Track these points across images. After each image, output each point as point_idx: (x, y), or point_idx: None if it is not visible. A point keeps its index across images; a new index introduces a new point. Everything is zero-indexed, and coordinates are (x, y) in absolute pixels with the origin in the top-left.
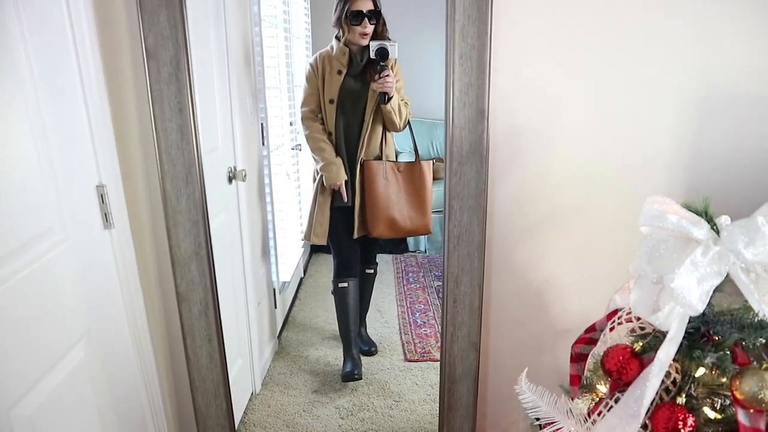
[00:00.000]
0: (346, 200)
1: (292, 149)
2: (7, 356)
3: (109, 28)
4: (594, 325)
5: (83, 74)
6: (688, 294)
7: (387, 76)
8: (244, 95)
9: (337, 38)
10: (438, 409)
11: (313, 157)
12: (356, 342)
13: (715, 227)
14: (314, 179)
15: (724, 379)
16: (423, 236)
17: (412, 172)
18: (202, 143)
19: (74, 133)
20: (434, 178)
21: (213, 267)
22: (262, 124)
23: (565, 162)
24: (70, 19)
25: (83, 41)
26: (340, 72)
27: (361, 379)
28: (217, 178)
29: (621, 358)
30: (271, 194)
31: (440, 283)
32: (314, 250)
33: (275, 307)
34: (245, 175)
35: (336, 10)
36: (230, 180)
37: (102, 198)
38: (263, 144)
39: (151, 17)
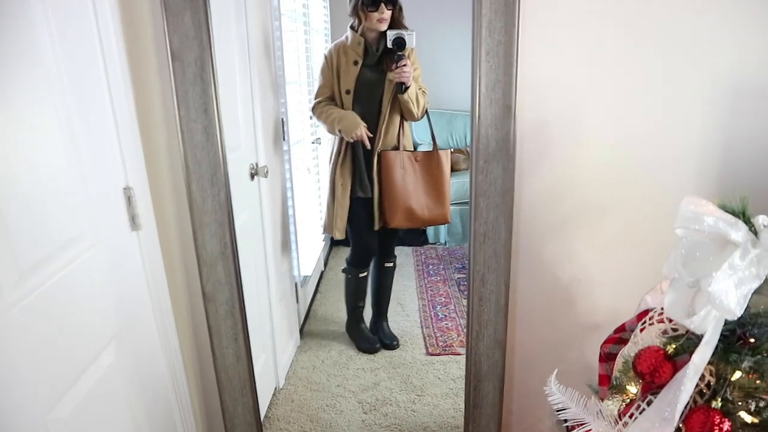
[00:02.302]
0: (369, 147)
1: (312, 143)
2: (41, 361)
3: (134, 30)
4: (624, 325)
5: (110, 77)
6: (726, 298)
7: (404, 65)
8: (265, 91)
9: (352, 28)
10: (462, 404)
11: (327, 127)
12: (363, 318)
13: (753, 228)
14: (332, 171)
15: (760, 383)
16: (443, 228)
17: (429, 161)
18: (226, 142)
19: (102, 136)
20: (454, 170)
21: (239, 267)
22: (282, 119)
23: (593, 158)
24: (97, 24)
25: (110, 44)
26: (356, 62)
27: (379, 350)
28: (240, 176)
29: (654, 360)
30: (291, 189)
31: (461, 276)
32: (334, 243)
33: (297, 302)
34: (267, 172)
35: None
36: (252, 177)
37: (129, 200)
38: (284, 139)
39: (176, 18)
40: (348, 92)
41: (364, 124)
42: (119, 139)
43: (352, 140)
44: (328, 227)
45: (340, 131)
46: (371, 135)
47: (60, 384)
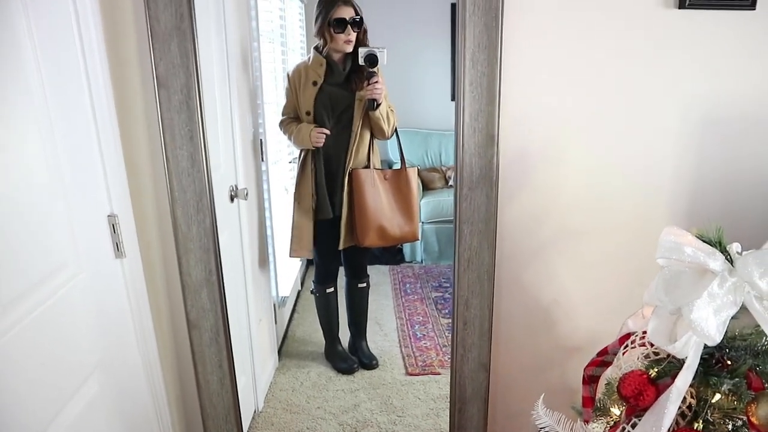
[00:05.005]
0: (328, 133)
1: (290, 162)
2: (25, 395)
3: (119, 56)
4: (606, 348)
5: (95, 104)
6: (707, 325)
7: (376, 82)
8: (244, 111)
9: (317, 49)
10: (443, 424)
11: (293, 143)
12: (338, 338)
13: (729, 257)
14: (297, 191)
15: (738, 404)
16: (419, 247)
17: (398, 179)
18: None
19: (86, 163)
20: (429, 188)
21: (224, 293)
22: (261, 139)
23: (572, 185)
24: (82, 50)
25: (95, 71)
26: (315, 83)
27: (357, 370)
28: (220, 198)
29: (638, 384)
30: (270, 209)
31: (438, 294)
32: (311, 262)
33: (275, 323)
34: (247, 194)
35: (317, 19)
36: (232, 198)
37: (113, 228)
38: (262, 159)
39: (162, 46)
40: (308, 113)
41: (315, 125)
42: (103, 166)
43: (315, 146)
44: (296, 248)
45: (302, 144)
46: (326, 132)
47: (44, 416)
